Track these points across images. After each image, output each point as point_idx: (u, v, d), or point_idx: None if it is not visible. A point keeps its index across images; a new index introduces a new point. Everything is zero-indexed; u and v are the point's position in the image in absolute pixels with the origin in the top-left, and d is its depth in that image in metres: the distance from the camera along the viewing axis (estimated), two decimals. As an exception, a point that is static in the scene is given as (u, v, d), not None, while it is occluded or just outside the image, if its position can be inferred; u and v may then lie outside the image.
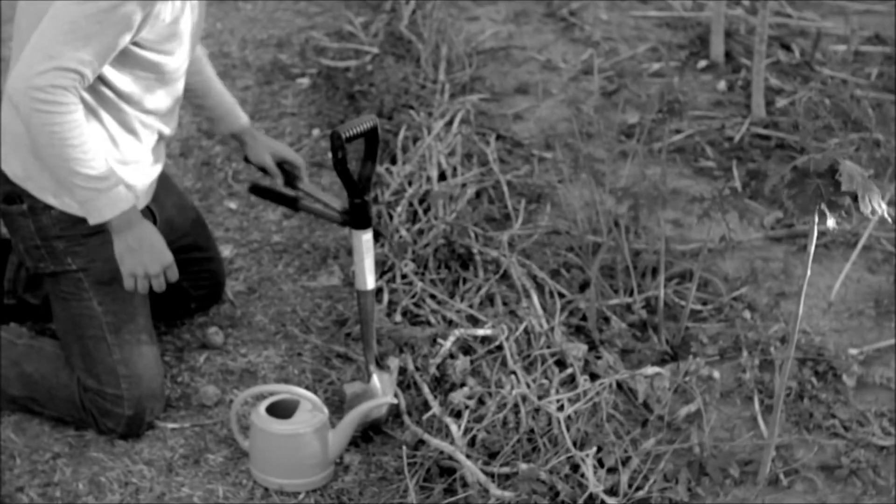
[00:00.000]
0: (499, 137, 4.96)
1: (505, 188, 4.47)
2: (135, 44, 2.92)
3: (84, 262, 3.17)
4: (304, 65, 5.76)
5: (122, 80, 3.00)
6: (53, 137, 2.83)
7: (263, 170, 3.65)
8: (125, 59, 2.95)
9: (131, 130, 3.12)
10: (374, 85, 5.27)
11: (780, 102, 5.23)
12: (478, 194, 4.46)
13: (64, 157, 2.86)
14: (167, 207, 3.48)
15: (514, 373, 3.47)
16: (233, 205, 4.56)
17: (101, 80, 2.96)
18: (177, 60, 3.10)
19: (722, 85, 5.45)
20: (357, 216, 3.23)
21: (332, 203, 3.35)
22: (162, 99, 3.14)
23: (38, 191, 3.09)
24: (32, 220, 3.13)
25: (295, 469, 3.10)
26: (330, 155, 3.17)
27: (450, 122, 4.90)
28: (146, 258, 3.03)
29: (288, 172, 3.62)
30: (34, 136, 2.86)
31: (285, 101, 5.40)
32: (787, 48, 5.84)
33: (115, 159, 3.07)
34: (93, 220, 2.98)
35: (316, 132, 5.05)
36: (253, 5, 6.55)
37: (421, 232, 4.18)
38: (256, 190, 3.67)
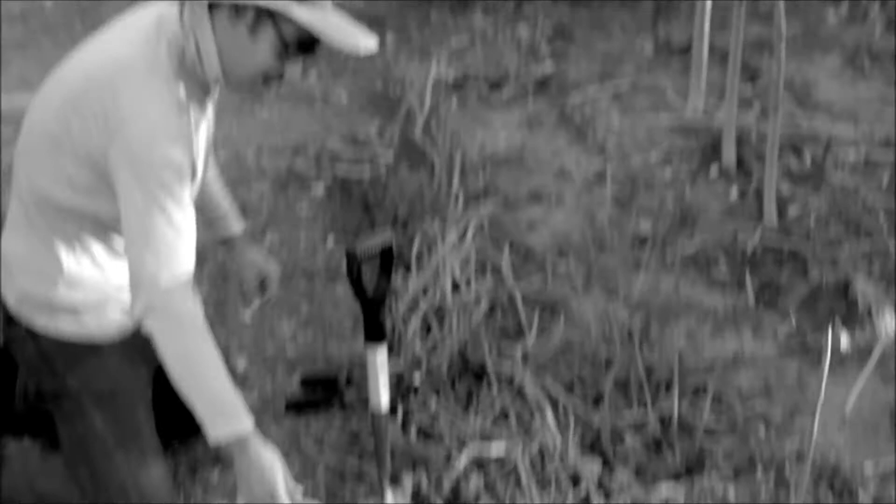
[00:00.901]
0: (512, 247, 4.98)
1: (518, 300, 4.49)
2: None
3: (83, 381, 3.14)
4: (319, 172, 5.81)
5: None
6: (176, 352, 2.79)
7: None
8: None
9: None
10: (388, 194, 5.31)
11: (793, 210, 5.25)
12: (492, 307, 4.47)
13: (184, 376, 2.83)
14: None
15: (528, 491, 3.46)
16: (247, 317, 4.58)
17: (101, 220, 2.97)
18: (196, 182, 3.11)
19: (734, 192, 5.48)
20: (371, 333, 3.24)
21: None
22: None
23: (32, 319, 3.08)
24: (33, 342, 3.13)
25: None
26: (345, 270, 3.19)
27: (464, 232, 4.93)
28: (257, 490, 2.91)
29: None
30: (161, 353, 2.86)
31: (300, 209, 5.44)
32: (798, 154, 5.87)
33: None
34: (212, 441, 2.87)
35: (331, 241, 5.09)
36: (269, 111, 6.62)
37: (435, 346, 4.19)
38: (294, 406, 3.82)
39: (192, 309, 2.78)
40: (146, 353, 3.20)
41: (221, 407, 2.81)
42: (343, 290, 4.68)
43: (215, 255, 4.94)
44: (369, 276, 3.23)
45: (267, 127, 6.39)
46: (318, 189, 5.64)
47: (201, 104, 2.89)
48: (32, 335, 3.08)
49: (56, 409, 3.20)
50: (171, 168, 2.75)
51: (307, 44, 2.74)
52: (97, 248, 3.02)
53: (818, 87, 6.77)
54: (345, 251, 3.16)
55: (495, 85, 6.80)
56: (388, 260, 3.26)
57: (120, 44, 2.85)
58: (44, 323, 3.06)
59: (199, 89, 2.86)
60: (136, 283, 2.76)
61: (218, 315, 4.52)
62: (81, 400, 3.13)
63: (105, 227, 2.97)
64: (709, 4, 6.31)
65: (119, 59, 2.79)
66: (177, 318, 2.77)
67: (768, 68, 6.33)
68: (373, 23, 7.99)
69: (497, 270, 4.73)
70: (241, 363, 4.22)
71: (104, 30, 2.95)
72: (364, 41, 2.76)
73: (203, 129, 3.00)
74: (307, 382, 4.12)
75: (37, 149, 2.93)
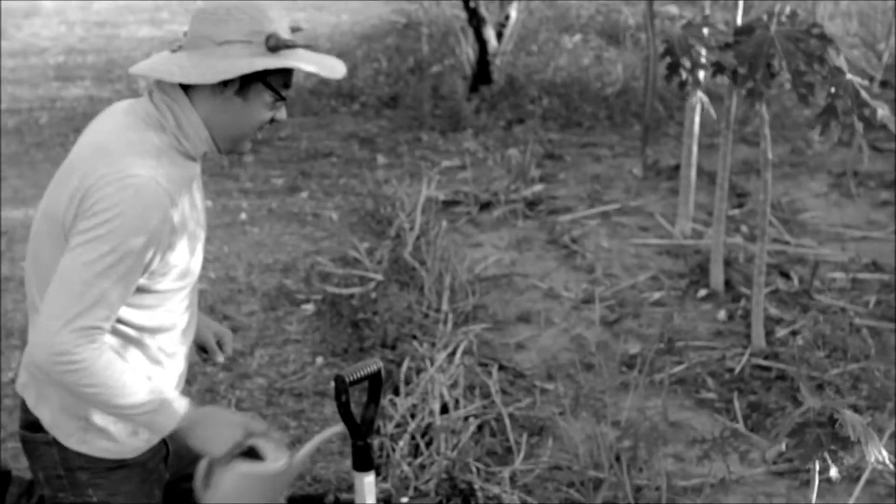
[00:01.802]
0: (501, 368, 5.00)
1: (507, 421, 4.49)
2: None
3: (105, 496, 3.14)
4: (309, 291, 5.83)
5: (146, 314, 3.02)
6: (92, 389, 2.83)
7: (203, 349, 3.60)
8: (160, 295, 2.97)
9: (156, 362, 3.13)
10: (377, 313, 5.34)
11: (780, 332, 5.28)
12: (480, 428, 4.48)
13: (110, 402, 2.86)
14: (175, 437, 3.48)
15: None
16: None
17: (122, 321, 2.98)
18: (197, 259, 3.10)
19: (722, 314, 5.52)
20: (359, 459, 3.23)
21: None
22: (192, 311, 3.15)
23: (64, 437, 3.09)
24: (57, 450, 3.11)
25: None
26: (333, 396, 3.18)
27: (453, 353, 4.95)
28: (227, 433, 3.00)
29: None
30: (74, 393, 2.88)
31: (289, 328, 5.46)
32: (786, 276, 5.92)
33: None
34: (161, 435, 2.99)
35: (319, 360, 5.10)
36: (259, 229, 6.67)
37: (423, 467, 4.18)
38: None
39: (94, 362, 2.78)
40: (161, 474, 3.22)
41: (156, 416, 2.87)
42: (331, 409, 4.68)
43: (203, 372, 4.95)
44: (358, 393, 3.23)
45: (257, 245, 6.44)
46: (308, 308, 5.66)
47: (184, 179, 2.90)
48: (59, 445, 3.08)
49: None
50: (134, 235, 2.75)
51: (289, 84, 2.87)
52: (127, 352, 3.02)
53: (805, 210, 6.85)
54: (334, 377, 3.16)
55: (485, 206, 6.87)
56: (376, 386, 3.26)
57: (100, 133, 2.90)
58: (75, 444, 3.06)
59: (183, 161, 2.88)
60: (42, 336, 2.76)
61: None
62: None
63: (129, 325, 2.98)
64: (696, 128, 6.41)
65: (100, 141, 2.85)
66: (77, 375, 2.77)
67: (756, 191, 6.40)
68: (364, 144, 8.11)
69: (485, 392, 4.73)
70: (229, 483, 4.19)
71: (82, 135, 3.00)
72: (338, 68, 2.87)
73: (198, 198, 3.01)
74: (294, 501, 4.10)
75: (40, 253, 2.95)
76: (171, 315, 3.06)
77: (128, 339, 3.01)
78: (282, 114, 2.91)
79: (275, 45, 2.78)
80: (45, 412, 3.06)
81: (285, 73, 2.84)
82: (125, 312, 2.96)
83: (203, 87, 2.81)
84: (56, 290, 2.79)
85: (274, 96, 2.83)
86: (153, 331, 3.04)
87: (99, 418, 3.02)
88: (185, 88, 2.84)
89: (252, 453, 3.01)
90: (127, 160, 2.78)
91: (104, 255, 2.77)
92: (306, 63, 2.80)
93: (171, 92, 2.85)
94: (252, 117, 2.84)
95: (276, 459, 3.00)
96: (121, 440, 3.08)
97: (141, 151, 2.80)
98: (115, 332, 2.98)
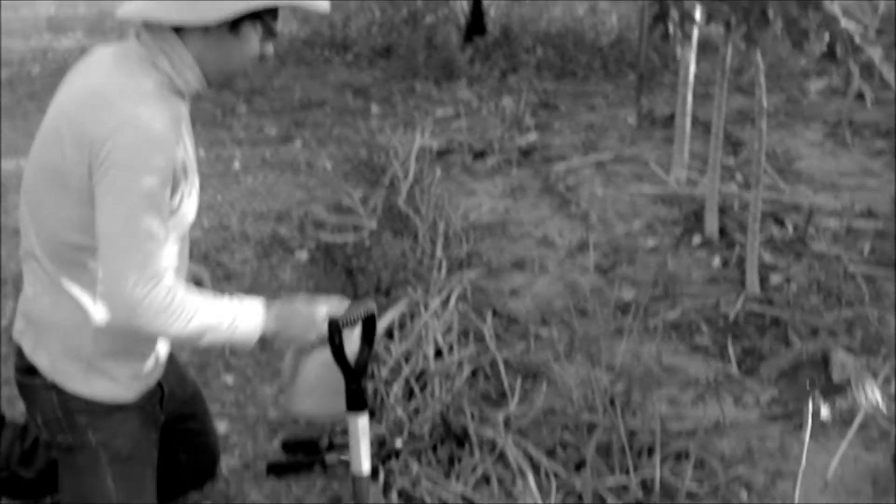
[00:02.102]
0: (495, 314, 4.99)
1: (501, 366, 4.49)
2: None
3: (105, 438, 3.15)
4: (303, 238, 5.82)
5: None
6: (187, 325, 2.86)
7: None
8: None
9: None
10: (371, 260, 5.33)
11: (775, 279, 5.28)
12: (474, 372, 4.48)
13: (205, 331, 2.90)
14: (169, 379, 3.48)
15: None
16: (229, 379, 4.57)
17: None
18: (194, 201, 3.11)
19: (716, 261, 5.51)
20: (353, 400, 3.23)
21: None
22: (183, 254, 3.16)
23: (67, 381, 3.09)
24: (56, 393, 3.12)
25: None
26: (328, 339, 3.19)
27: (447, 299, 4.94)
28: (309, 327, 3.08)
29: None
30: (176, 338, 2.91)
31: (283, 275, 5.45)
32: (780, 224, 5.91)
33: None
34: (250, 346, 3.04)
35: (314, 307, 5.07)
36: (253, 178, 6.65)
37: (417, 411, 4.18)
38: (275, 468, 3.85)
39: (173, 303, 2.81)
40: (157, 416, 3.23)
41: (239, 329, 2.94)
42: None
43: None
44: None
45: (251, 194, 6.42)
46: (302, 255, 5.65)
47: (175, 119, 2.90)
48: (58, 388, 3.08)
49: (66, 461, 3.19)
50: (153, 174, 2.77)
51: (276, 19, 2.90)
52: None
53: (800, 158, 6.83)
54: (328, 321, 3.16)
55: (479, 154, 6.84)
56: (370, 329, 3.26)
57: (91, 77, 2.90)
58: (78, 387, 3.06)
59: (175, 101, 2.90)
60: (112, 296, 2.77)
61: (200, 378, 4.51)
62: (99, 456, 3.14)
63: None
64: (691, 77, 6.38)
65: (94, 86, 2.84)
66: (167, 319, 2.81)
67: (750, 139, 6.39)
68: (357, 93, 8.08)
69: (480, 337, 4.73)
70: (223, 425, 4.20)
71: (66, 81, 3.00)
72: (324, 3, 2.89)
73: (188, 141, 3.02)
74: (289, 446, 4.11)
75: (38, 202, 2.95)
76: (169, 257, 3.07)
77: None
78: (270, 49, 2.94)
79: None
80: (44, 357, 3.07)
81: (274, 10, 2.86)
82: None
83: (194, 29, 2.82)
84: (108, 254, 2.79)
85: (265, 30, 2.84)
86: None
87: (100, 360, 3.03)
88: (175, 27, 2.84)
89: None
90: (126, 104, 2.79)
91: (135, 203, 2.78)
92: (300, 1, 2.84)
93: (161, 32, 2.85)
94: (244, 53, 2.87)
95: (353, 345, 3.14)
96: (122, 381, 3.09)
97: (137, 95, 2.80)
98: None
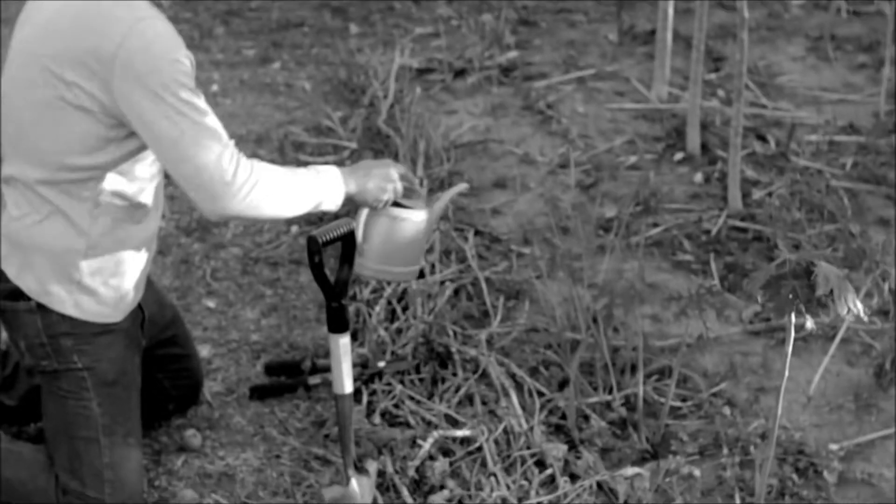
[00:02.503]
0: (477, 233, 4.97)
1: (483, 285, 4.48)
2: None
3: (90, 361, 3.15)
4: (283, 160, 5.77)
5: (146, 166, 3.04)
6: (283, 193, 2.94)
7: None
8: None
9: (156, 207, 3.14)
10: (352, 181, 5.28)
11: (757, 194, 5.26)
12: (456, 292, 4.47)
13: (298, 194, 2.99)
14: (149, 303, 3.47)
15: (493, 475, 3.46)
16: (211, 303, 4.55)
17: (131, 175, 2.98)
18: None
19: (698, 177, 5.48)
20: (334, 320, 3.22)
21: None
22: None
23: (58, 304, 3.07)
24: (41, 317, 3.11)
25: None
26: (307, 257, 3.18)
27: (428, 219, 4.90)
28: (380, 183, 3.16)
29: None
30: (276, 213, 2.98)
31: (264, 198, 5.41)
32: (762, 139, 5.89)
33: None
34: (336, 205, 3.11)
35: (294, 229, 5.06)
36: (232, 100, 6.58)
37: (399, 331, 4.18)
38: (259, 391, 3.87)
39: (257, 168, 2.90)
40: (139, 340, 3.23)
41: (322, 188, 3.04)
42: (307, 277, 4.66)
43: (178, 243, 4.92)
44: (333, 261, 3.23)
45: (230, 116, 6.35)
46: (282, 177, 5.60)
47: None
48: (43, 312, 3.07)
49: (51, 386, 3.19)
50: (179, 70, 2.78)
51: None
52: (117, 204, 3.01)
53: (782, 73, 6.79)
54: (306, 238, 3.16)
55: (459, 73, 6.78)
56: (349, 247, 3.25)
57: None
58: (68, 308, 3.05)
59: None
60: (206, 189, 2.82)
61: (181, 303, 4.49)
62: (84, 380, 3.14)
63: (123, 177, 2.97)
64: (672, -9, 6.32)
65: (74, 5, 2.83)
66: (255, 191, 2.86)
67: (732, 55, 6.33)
68: (336, 13, 7.98)
69: (461, 256, 4.72)
70: (205, 350, 4.20)
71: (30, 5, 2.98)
72: None
73: None
74: (271, 368, 4.10)
75: (28, 129, 2.92)
76: (157, 164, 3.08)
77: (119, 195, 3.00)
78: None
79: None
80: (32, 281, 3.05)
81: None
82: (120, 166, 2.94)
83: None
84: (181, 154, 2.81)
85: None
86: (142, 184, 3.05)
87: (89, 280, 3.03)
88: None
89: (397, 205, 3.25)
90: (123, 12, 2.79)
91: (180, 96, 2.80)
92: None
93: None
94: None
95: (422, 210, 3.27)
96: (109, 301, 3.09)
97: (127, 2, 2.80)
98: (109, 187, 2.96)
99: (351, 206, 3.21)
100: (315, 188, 3.01)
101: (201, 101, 2.83)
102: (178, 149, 2.79)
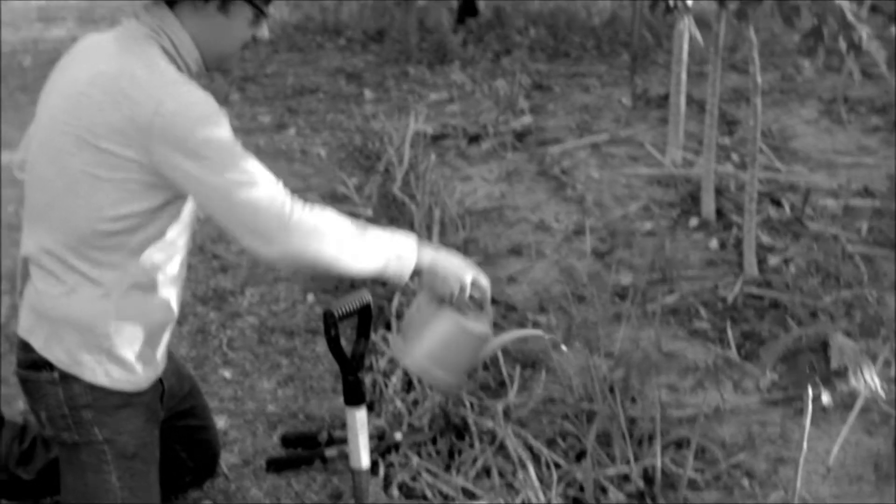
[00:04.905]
0: (493, 301, 4.94)
1: (500, 354, 4.47)
2: None
3: (110, 434, 3.14)
4: (299, 228, 5.78)
5: (176, 227, 3.04)
6: (338, 242, 2.88)
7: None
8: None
9: (175, 280, 3.14)
10: (367, 250, 5.29)
11: (773, 260, 5.26)
12: (472, 362, 4.45)
13: (359, 247, 2.93)
14: (168, 375, 3.47)
15: (511, 549, 3.43)
16: (227, 373, 4.55)
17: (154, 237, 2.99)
18: None
19: (714, 243, 5.49)
20: (351, 393, 3.21)
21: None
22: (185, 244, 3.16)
23: (87, 373, 3.07)
24: (62, 388, 3.10)
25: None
26: (323, 331, 3.17)
27: (444, 287, 4.91)
28: (455, 273, 3.10)
29: None
30: (332, 264, 2.91)
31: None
32: (777, 204, 5.89)
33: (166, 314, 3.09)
34: (404, 279, 3.08)
35: (311, 298, 5.06)
36: (248, 167, 6.61)
37: (416, 402, 4.17)
38: (275, 463, 3.87)
39: (312, 215, 2.83)
40: (159, 413, 3.23)
41: (392, 251, 2.97)
42: (323, 347, 4.65)
43: (194, 312, 4.93)
44: (349, 330, 3.22)
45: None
46: (298, 245, 5.61)
47: None
48: (65, 383, 3.07)
49: (70, 459, 3.18)
50: (217, 126, 2.79)
51: (270, 1, 2.90)
52: (146, 273, 3.02)
53: (796, 137, 6.81)
54: (323, 312, 3.15)
55: (474, 138, 6.81)
56: (365, 320, 3.24)
57: (101, 63, 2.89)
58: (97, 376, 3.05)
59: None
60: (265, 234, 2.78)
61: (198, 373, 4.49)
62: (104, 453, 3.13)
63: (152, 245, 2.98)
64: (685, 56, 6.35)
65: (112, 70, 2.85)
66: (315, 232, 2.81)
67: (746, 118, 6.36)
68: (350, 79, 8.04)
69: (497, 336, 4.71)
70: (222, 421, 4.19)
71: (65, 69, 2.99)
72: None
73: None
74: (288, 440, 4.09)
75: (57, 197, 2.93)
76: (183, 235, 3.08)
77: (148, 263, 3.01)
78: (263, 32, 2.93)
79: None
80: (60, 352, 3.05)
81: None
82: (149, 234, 2.96)
83: (186, 4, 2.84)
84: (232, 205, 2.81)
85: (255, 11, 2.85)
86: (169, 252, 3.05)
87: (118, 348, 3.03)
88: (172, 8, 2.85)
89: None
90: (156, 79, 2.81)
91: (223, 150, 2.81)
92: None
93: (159, 12, 2.86)
94: (234, 34, 2.87)
95: (483, 327, 3.14)
96: (136, 371, 3.09)
97: (160, 67, 2.84)
98: (138, 255, 2.97)
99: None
100: (384, 247, 2.97)
101: (242, 150, 2.84)
102: (230, 199, 2.80)
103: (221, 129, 2.81)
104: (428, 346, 3.15)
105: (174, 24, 2.86)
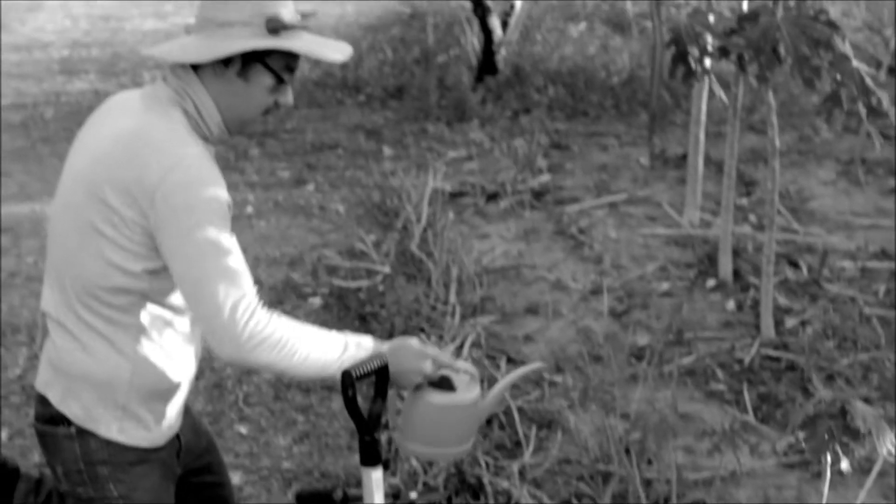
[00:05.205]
0: (509, 360, 4.97)
1: (515, 414, 4.47)
2: None
3: (126, 490, 3.13)
4: (316, 284, 5.81)
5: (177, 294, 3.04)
6: (295, 352, 2.86)
7: None
8: None
9: (187, 341, 3.13)
10: (385, 306, 5.32)
11: (790, 322, 5.25)
12: (489, 421, 4.45)
13: (313, 357, 2.90)
14: (185, 431, 3.47)
15: None
16: (243, 429, 4.55)
17: (158, 301, 2.99)
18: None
19: (731, 304, 5.49)
20: (367, 453, 3.21)
21: None
22: None
23: (103, 429, 3.08)
24: (79, 443, 3.11)
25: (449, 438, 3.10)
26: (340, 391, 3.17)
27: (461, 346, 4.92)
28: (417, 365, 3.03)
29: None
30: (283, 370, 2.89)
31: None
32: (794, 265, 5.89)
33: (179, 370, 3.09)
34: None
35: (327, 354, 5.06)
36: (266, 222, 6.65)
37: (431, 461, 4.16)
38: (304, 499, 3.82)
39: (273, 324, 2.80)
40: (175, 469, 3.23)
41: (348, 359, 2.91)
42: (339, 404, 4.65)
43: (211, 367, 4.94)
44: (365, 387, 3.22)
45: (264, 239, 6.42)
46: (315, 301, 5.64)
47: (212, 157, 2.95)
48: (82, 438, 3.07)
49: None
50: (213, 211, 2.79)
51: (293, 67, 2.87)
52: (160, 331, 3.03)
53: (813, 198, 6.82)
54: (341, 373, 3.15)
55: (492, 196, 6.84)
56: (383, 381, 3.24)
57: (124, 120, 2.92)
58: (113, 432, 3.06)
59: (203, 145, 2.93)
60: (216, 334, 2.78)
61: (214, 428, 4.50)
62: None
63: (165, 306, 2.99)
64: (703, 116, 6.38)
65: (132, 130, 2.87)
66: (269, 343, 2.79)
67: (763, 179, 6.37)
68: (370, 135, 8.09)
69: (494, 384, 4.70)
70: (237, 477, 4.19)
71: (91, 126, 3.01)
72: (345, 50, 2.89)
73: None
74: (303, 498, 4.07)
75: (72, 251, 2.95)
76: None
77: (161, 320, 3.02)
78: (286, 98, 2.93)
79: (274, 28, 2.81)
80: (76, 407, 3.06)
81: (288, 57, 2.84)
82: (161, 292, 2.97)
83: (208, 68, 2.84)
84: (200, 295, 2.80)
85: (274, 79, 2.84)
86: (182, 311, 3.06)
87: (135, 405, 3.03)
88: (196, 71, 2.87)
89: (444, 385, 3.06)
90: (170, 146, 2.82)
91: (209, 237, 2.79)
92: (303, 46, 2.82)
93: (184, 76, 2.88)
94: (254, 99, 2.87)
95: (468, 392, 3.05)
96: (152, 428, 3.09)
97: (178, 135, 2.85)
98: (150, 313, 2.99)
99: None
100: (335, 359, 2.97)
101: (230, 245, 2.85)
102: (196, 288, 2.82)
103: (217, 215, 2.82)
104: (418, 431, 3.13)
105: (198, 87, 2.88)
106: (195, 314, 2.87)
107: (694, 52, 5.13)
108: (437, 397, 3.05)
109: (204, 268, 2.80)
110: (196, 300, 2.83)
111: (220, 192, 2.84)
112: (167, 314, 3.02)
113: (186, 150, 2.84)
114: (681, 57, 5.16)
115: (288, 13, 2.86)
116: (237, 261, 2.84)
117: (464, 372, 3.12)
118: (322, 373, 2.92)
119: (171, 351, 3.09)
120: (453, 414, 3.08)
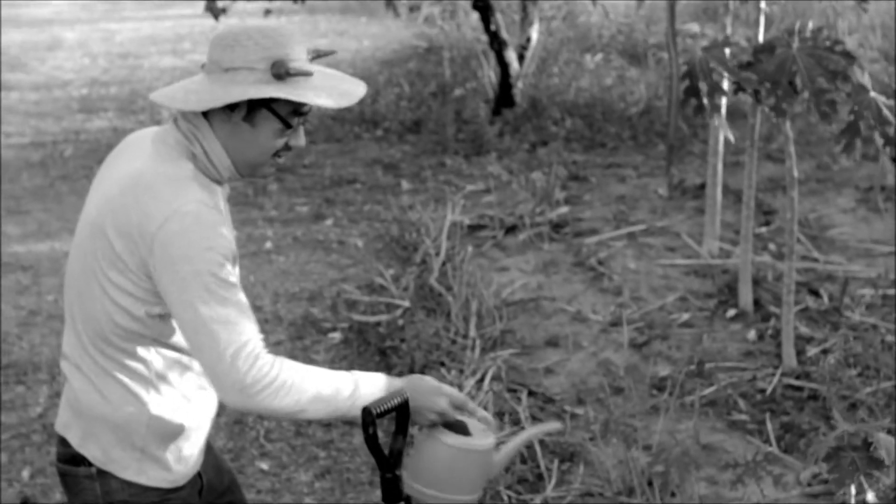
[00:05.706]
0: (530, 393, 4.97)
1: (537, 447, 4.46)
2: None
3: None
4: (336, 319, 5.82)
5: None
6: (303, 397, 2.84)
7: None
8: None
9: (200, 386, 3.13)
10: (405, 341, 5.32)
11: (811, 351, 5.23)
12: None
13: (323, 401, 2.88)
14: (207, 469, 3.47)
15: None
16: (265, 465, 4.56)
17: (170, 345, 2.99)
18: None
19: (752, 334, 5.47)
20: (389, 491, 3.20)
21: None
22: None
23: (122, 471, 3.08)
24: (100, 484, 3.10)
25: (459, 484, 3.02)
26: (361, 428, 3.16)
27: (481, 379, 4.92)
28: (433, 401, 2.99)
29: None
30: (291, 415, 2.89)
31: (317, 357, 5.44)
32: (815, 294, 5.88)
33: (192, 414, 3.08)
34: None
35: (348, 389, 5.06)
36: (285, 258, 6.66)
37: (453, 496, 4.14)
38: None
39: (276, 368, 2.78)
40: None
41: (359, 399, 2.87)
42: (360, 439, 4.65)
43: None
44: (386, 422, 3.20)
45: (283, 274, 6.43)
46: (335, 336, 5.65)
47: (219, 200, 2.94)
48: (103, 479, 3.08)
49: None
50: (212, 260, 2.78)
51: (302, 111, 2.85)
52: (175, 372, 3.03)
53: (833, 226, 6.80)
54: (361, 410, 3.14)
55: (511, 229, 6.84)
56: (403, 417, 3.23)
57: (132, 164, 2.92)
58: (131, 475, 3.06)
59: (213, 187, 2.92)
60: (219, 381, 2.77)
61: (235, 465, 4.50)
62: None
63: (178, 350, 2.99)
64: (721, 147, 6.37)
65: (136, 174, 2.87)
66: (273, 388, 2.77)
67: (782, 208, 6.36)
68: (387, 169, 8.10)
69: (515, 418, 4.70)
70: (259, 516, 4.19)
71: (107, 166, 3.03)
72: (355, 92, 2.85)
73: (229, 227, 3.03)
74: None
75: (85, 292, 2.96)
76: None
77: (175, 362, 3.02)
78: (299, 140, 2.91)
79: (278, 73, 2.79)
80: (96, 449, 3.06)
81: (292, 103, 2.82)
82: (171, 336, 2.98)
83: (217, 113, 2.84)
84: (200, 343, 2.80)
85: (281, 124, 2.83)
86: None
87: (152, 446, 3.03)
88: (206, 115, 2.87)
89: (459, 429, 3.00)
90: (170, 193, 2.82)
91: (207, 286, 2.79)
92: (304, 93, 2.78)
93: (194, 119, 2.89)
94: (262, 144, 2.85)
95: (483, 439, 2.99)
96: (172, 468, 3.09)
97: (181, 181, 2.84)
98: (162, 355, 2.99)
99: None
100: (346, 398, 2.95)
101: (229, 292, 2.83)
102: (197, 336, 2.81)
103: (215, 263, 2.81)
104: (425, 472, 3.07)
105: (207, 131, 2.87)
106: (198, 361, 2.86)
107: (703, 87, 5.12)
108: (450, 438, 3.00)
109: (202, 316, 2.79)
110: (197, 348, 2.83)
111: (219, 240, 2.82)
112: (182, 357, 3.02)
113: (187, 197, 2.83)
114: (693, 92, 5.17)
115: (297, 54, 2.84)
116: (238, 307, 2.83)
117: (482, 418, 3.09)
118: (334, 414, 2.89)
119: (188, 393, 3.08)
120: (465, 458, 3.03)
